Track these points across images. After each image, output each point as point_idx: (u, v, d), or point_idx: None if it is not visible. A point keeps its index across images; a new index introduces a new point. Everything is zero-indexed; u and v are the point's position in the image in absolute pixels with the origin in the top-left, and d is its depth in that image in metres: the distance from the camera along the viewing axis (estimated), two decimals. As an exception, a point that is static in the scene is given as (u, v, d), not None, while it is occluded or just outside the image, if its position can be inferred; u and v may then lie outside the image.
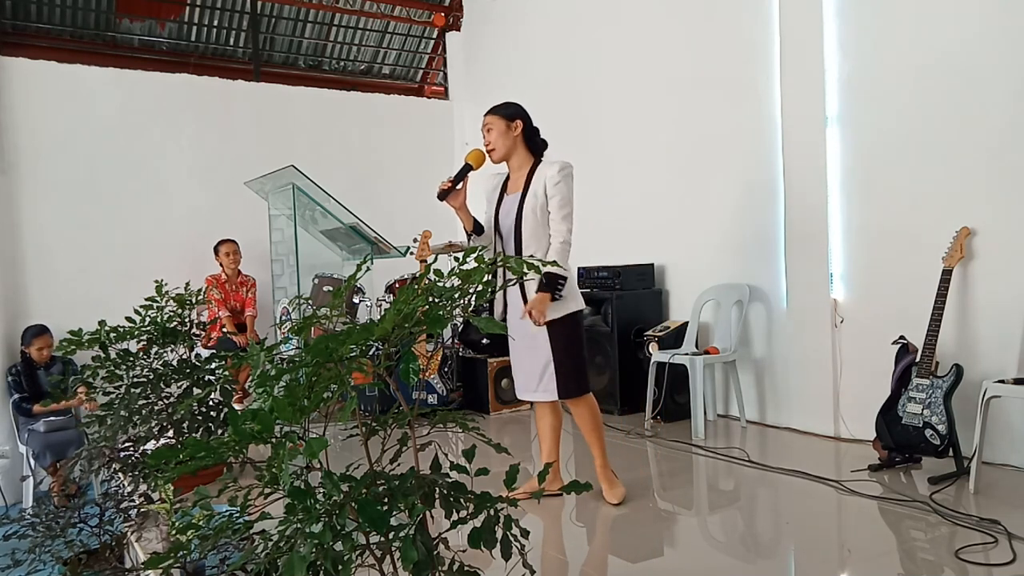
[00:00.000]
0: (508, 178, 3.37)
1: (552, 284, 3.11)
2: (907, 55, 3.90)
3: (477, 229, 3.35)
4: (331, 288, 5.46)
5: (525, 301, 3.20)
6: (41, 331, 5.05)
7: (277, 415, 1.34)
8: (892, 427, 3.52)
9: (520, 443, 4.67)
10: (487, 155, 3.27)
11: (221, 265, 5.87)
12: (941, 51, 3.75)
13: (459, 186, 3.22)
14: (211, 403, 2.76)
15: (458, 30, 7.75)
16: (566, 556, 2.89)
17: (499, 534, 1.43)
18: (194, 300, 2.97)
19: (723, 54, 4.88)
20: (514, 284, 3.22)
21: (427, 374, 5.31)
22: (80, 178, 5.81)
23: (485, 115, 3.32)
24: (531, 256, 1.85)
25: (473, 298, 1.48)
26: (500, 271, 3.28)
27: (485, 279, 1.45)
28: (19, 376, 4.93)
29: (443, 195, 3.23)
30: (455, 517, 1.46)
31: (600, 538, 3.09)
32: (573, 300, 3.25)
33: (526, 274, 1.43)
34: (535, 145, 3.32)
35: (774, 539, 2.98)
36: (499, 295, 3.35)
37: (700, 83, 5.04)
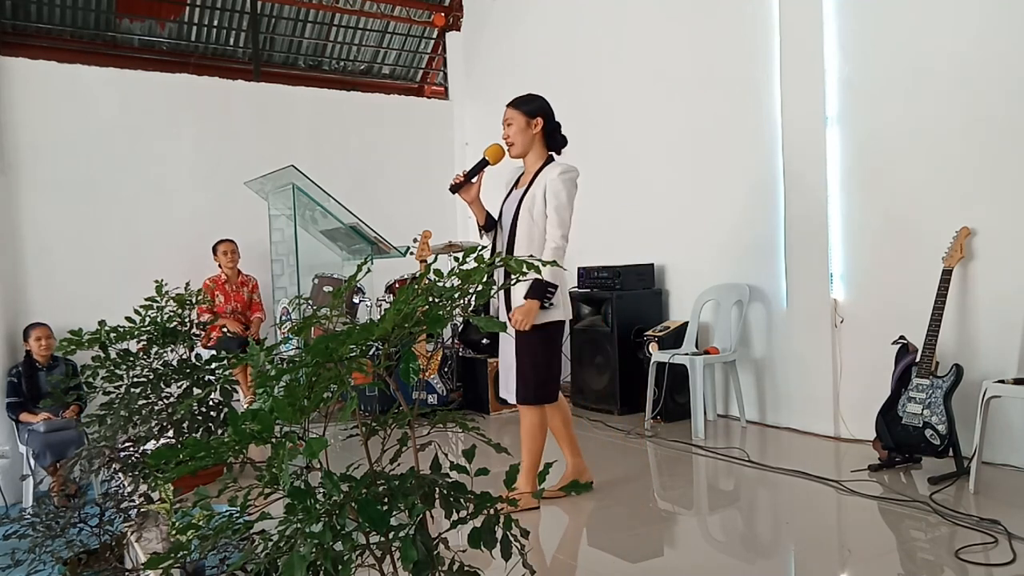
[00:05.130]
0: (523, 173, 3.32)
1: (540, 291, 3.01)
2: (907, 55, 3.90)
3: (488, 225, 3.30)
4: (331, 288, 5.46)
5: (508, 303, 3.15)
6: (37, 323, 5.06)
7: (277, 415, 1.34)
8: (892, 427, 3.52)
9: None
10: (506, 149, 3.21)
11: (220, 265, 5.87)
12: (941, 51, 3.75)
13: (473, 180, 3.18)
14: (211, 403, 2.76)
15: (458, 30, 7.75)
16: (566, 556, 2.89)
17: (499, 534, 1.43)
18: (194, 300, 2.97)
19: (723, 54, 4.88)
20: (499, 289, 3.09)
21: (427, 374, 5.31)
22: (80, 178, 5.80)
23: (507, 107, 3.23)
24: (531, 256, 1.84)
25: (473, 298, 1.48)
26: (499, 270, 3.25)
27: (485, 279, 1.45)
28: (18, 378, 4.92)
29: (455, 188, 3.19)
30: (455, 517, 1.46)
31: (600, 538, 3.09)
32: (557, 309, 3.12)
33: (525, 274, 1.43)
34: (554, 142, 3.25)
35: (774, 539, 2.98)
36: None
37: (700, 83, 5.04)
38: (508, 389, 3.30)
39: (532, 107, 3.21)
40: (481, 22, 7.46)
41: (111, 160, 5.93)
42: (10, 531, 2.33)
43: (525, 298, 3.04)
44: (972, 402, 3.32)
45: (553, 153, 3.29)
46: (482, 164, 3.19)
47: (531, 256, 1.48)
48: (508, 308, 3.15)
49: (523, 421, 3.23)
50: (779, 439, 4.38)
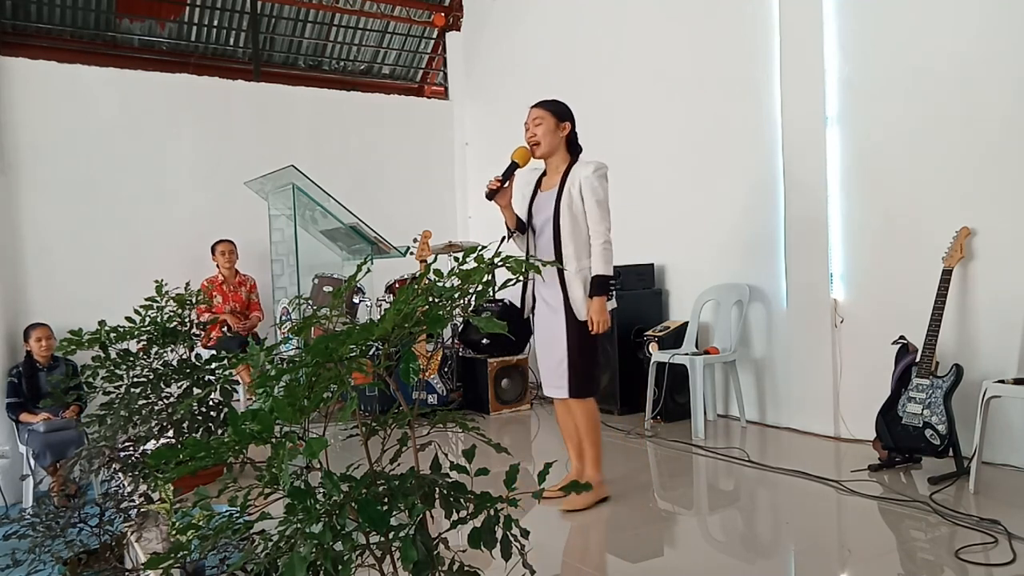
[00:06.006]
0: (543, 174, 3.38)
1: (604, 286, 3.13)
2: (907, 55, 3.90)
3: (520, 227, 3.35)
4: (331, 288, 5.46)
5: (566, 297, 3.19)
6: (37, 324, 5.06)
7: (277, 415, 1.34)
8: (892, 427, 3.52)
9: (520, 443, 4.67)
10: (530, 149, 3.26)
11: (217, 265, 5.87)
12: (941, 51, 3.75)
13: (506, 184, 3.23)
14: (211, 403, 2.76)
15: (458, 30, 7.75)
16: (567, 556, 2.89)
17: (499, 534, 1.43)
18: (194, 300, 2.97)
19: (723, 54, 4.88)
20: (522, 288, 3.14)
21: (427, 374, 5.31)
22: (80, 178, 5.80)
23: (534, 107, 3.29)
24: (533, 258, 1.84)
25: (473, 298, 1.48)
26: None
27: (485, 279, 1.45)
28: (19, 378, 4.91)
29: (492, 195, 3.22)
30: (455, 517, 1.46)
31: (600, 538, 3.09)
32: (610, 300, 3.24)
33: (524, 274, 1.43)
34: (575, 147, 3.34)
35: (774, 539, 2.98)
36: (528, 292, 3.35)
37: (700, 83, 5.04)
38: (549, 385, 3.33)
39: (561, 109, 3.30)
40: (481, 22, 7.46)
41: (111, 160, 5.93)
42: (10, 531, 2.33)
43: (591, 296, 3.13)
44: (972, 402, 3.32)
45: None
46: (512, 167, 3.23)
47: (533, 258, 1.48)
48: (566, 302, 3.19)
49: (581, 415, 3.28)
50: (779, 439, 4.38)
